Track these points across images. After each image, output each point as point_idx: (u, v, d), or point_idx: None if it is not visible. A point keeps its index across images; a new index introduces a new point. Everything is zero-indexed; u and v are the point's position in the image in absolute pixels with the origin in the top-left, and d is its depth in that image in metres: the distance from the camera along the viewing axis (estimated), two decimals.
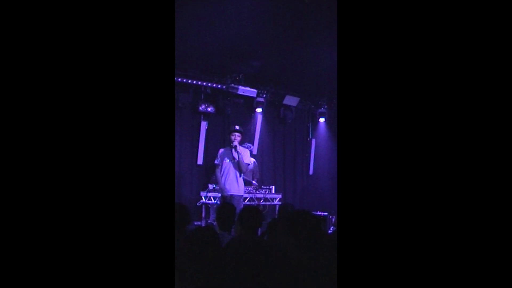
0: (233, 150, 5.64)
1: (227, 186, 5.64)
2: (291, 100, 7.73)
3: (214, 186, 6.69)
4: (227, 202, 5.25)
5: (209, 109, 7.02)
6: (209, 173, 7.08)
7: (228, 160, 5.67)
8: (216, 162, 5.85)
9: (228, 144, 5.96)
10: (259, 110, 7.55)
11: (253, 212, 3.19)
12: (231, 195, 5.60)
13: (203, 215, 6.56)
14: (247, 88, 7.10)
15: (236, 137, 5.65)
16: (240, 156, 5.59)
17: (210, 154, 7.16)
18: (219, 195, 6.33)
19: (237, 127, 5.84)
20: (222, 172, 5.71)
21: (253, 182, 6.71)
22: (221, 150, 5.90)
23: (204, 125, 7.11)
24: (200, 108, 6.98)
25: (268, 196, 6.90)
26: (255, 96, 7.28)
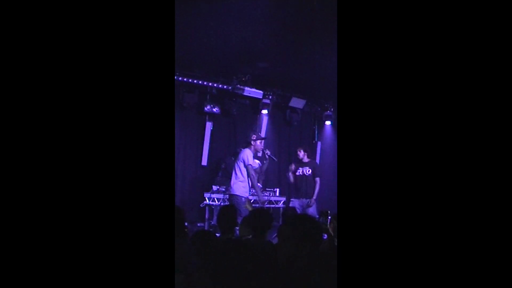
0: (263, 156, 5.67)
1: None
2: (297, 102, 7.68)
3: (218, 187, 6.67)
4: (230, 204, 5.20)
5: (214, 110, 7.02)
6: (213, 174, 7.06)
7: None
8: (249, 164, 5.39)
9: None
10: (265, 111, 7.50)
11: (263, 214, 3.16)
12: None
13: (206, 216, 6.52)
14: (253, 90, 7.02)
15: (262, 144, 5.58)
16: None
17: (215, 155, 7.20)
18: (222, 196, 6.30)
19: (262, 135, 5.88)
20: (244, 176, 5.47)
21: (258, 184, 6.63)
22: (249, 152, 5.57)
23: (209, 126, 7.11)
24: (206, 108, 6.98)
25: (273, 198, 6.86)
26: (261, 97, 7.22)
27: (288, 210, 4.80)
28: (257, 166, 5.68)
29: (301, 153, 6.22)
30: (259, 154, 5.60)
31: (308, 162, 6.21)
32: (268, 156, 5.60)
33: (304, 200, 6.00)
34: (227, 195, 5.79)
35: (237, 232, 3.36)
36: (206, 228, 6.24)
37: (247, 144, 5.48)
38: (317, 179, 6.17)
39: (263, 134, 7.50)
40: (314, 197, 6.07)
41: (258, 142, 5.48)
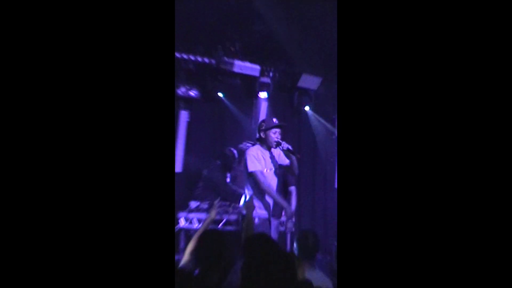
0: (282, 151, 4.31)
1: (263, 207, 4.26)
2: (309, 81, 6.41)
3: (198, 203, 5.44)
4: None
5: (191, 93, 5.86)
6: (191, 184, 5.79)
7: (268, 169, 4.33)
8: (253, 171, 4.19)
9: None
10: (263, 94, 6.33)
11: (212, 239, 2.71)
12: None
13: (181, 245, 5.17)
14: (247, 64, 5.95)
15: (278, 135, 4.29)
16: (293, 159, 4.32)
17: (193, 157, 6.03)
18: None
19: (276, 121, 4.40)
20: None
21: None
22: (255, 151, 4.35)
23: (184, 115, 5.95)
24: (179, 91, 5.78)
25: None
26: (257, 75, 6.10)
27: (306, 232, 3.37)
28: (267, 168, 4.23)
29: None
30: (274, 150, 4.25)
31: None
32: (284, 150, 4.16)
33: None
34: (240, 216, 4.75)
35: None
36: (181, 262, 4.78)
37: (256, 140, 4.37)
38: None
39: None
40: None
41: (271, 132, 4.20)
